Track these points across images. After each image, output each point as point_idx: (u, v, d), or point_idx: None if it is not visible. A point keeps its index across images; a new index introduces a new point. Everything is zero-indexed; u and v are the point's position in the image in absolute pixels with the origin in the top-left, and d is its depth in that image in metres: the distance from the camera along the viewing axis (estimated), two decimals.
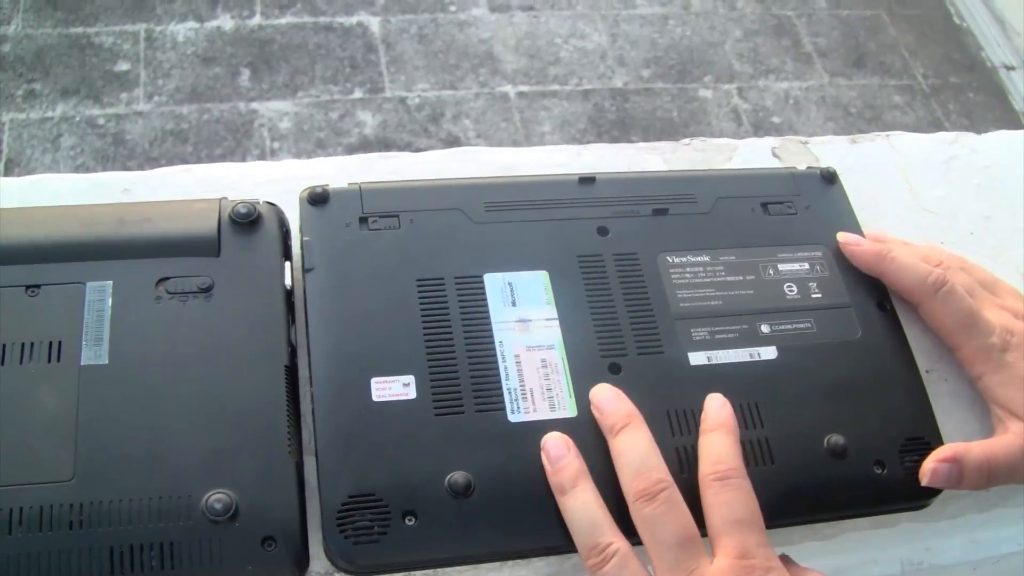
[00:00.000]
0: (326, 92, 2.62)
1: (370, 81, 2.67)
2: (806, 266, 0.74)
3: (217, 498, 0.57)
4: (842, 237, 0.74)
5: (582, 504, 0.59)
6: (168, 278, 0.65)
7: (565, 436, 0.61)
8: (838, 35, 3.09)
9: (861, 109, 2.89)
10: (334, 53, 2.72)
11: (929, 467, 0.65)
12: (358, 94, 2.64)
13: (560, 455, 0.60)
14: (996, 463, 0.65)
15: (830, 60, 3.00)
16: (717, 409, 0.64)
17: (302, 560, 0.58)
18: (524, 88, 2.76)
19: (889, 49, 3.07)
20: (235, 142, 2.52)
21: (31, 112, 2.47)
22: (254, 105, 2.58)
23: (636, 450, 0.60)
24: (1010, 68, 3.12)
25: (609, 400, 0.62)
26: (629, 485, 0.59)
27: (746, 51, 2.98)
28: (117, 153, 2.41)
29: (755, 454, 0.64)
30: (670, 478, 0.59)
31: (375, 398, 0.62)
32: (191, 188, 0.75)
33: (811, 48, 3.02)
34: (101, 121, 2.47)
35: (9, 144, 2.41)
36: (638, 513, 0.58)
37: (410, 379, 0.63)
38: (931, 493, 0.66)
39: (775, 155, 0.85)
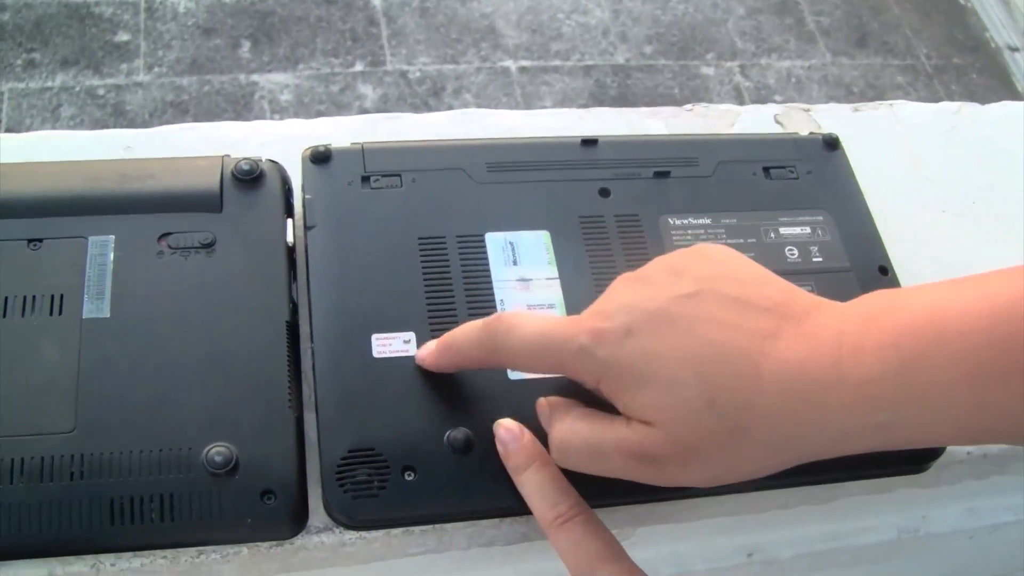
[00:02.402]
0: (327, 65, 2.62)
1: (371, 54, 2.66)
2: (807, 230, 0.73)
3: (217, 451, 0.57)
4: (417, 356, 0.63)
5: (540, 479, 0.57)
6: (170, 233, 0.65)
7: (515, 422, 0.59)
8: (841, 14, 3.08)
9: (863, 88, 2.89)
10: (335, 26, 2.72)
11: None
12: (359, 67, 2.63)
13: (512, 438, 0.59)
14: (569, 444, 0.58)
15: (833, 39, 2.99)
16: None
17: (301, 514, 0.58)
18: (525, 63, 2.76)
19: (893, 29, 3.06)
20: (235, 114, 2.52)
21: (30, 82, 2.47)
22: (254, 77, 2.58)
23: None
24: (1014, 49, 3.11)
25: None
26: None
27: (749, 29, 2.97)
28: (116, 124, 2.40)
29: None
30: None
31: (376, 354, 0.62)
32: (194, 146, 0.74)
33: (814, 27, 3.01)
34: (101, 92, 2.48)
35: (8, 114, 2.41)
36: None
37: (411, 336, 0.63)
38: (928, 456, 0.65)
39: (777, 122, 0.85)
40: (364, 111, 2.47)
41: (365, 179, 0.69)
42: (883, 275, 0.72)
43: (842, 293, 0.64)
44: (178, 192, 0.67)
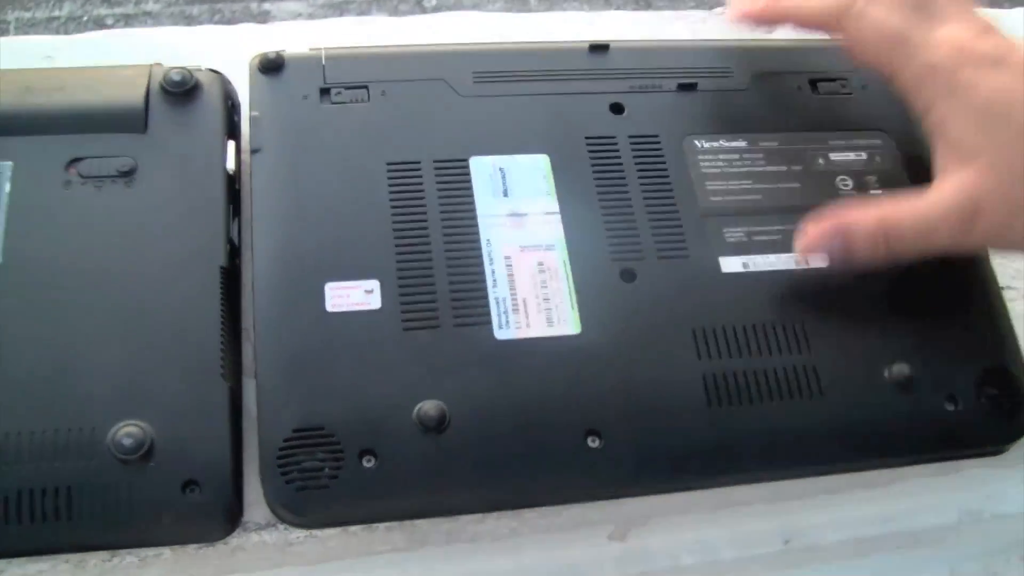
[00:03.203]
0: None
1: None
2: (863, 156, 0.64)
3: (127, 432, 0.49)
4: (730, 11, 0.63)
5: None
6: (81, 159, 0.56)
7: None
8: None
9: None
10: None
11: (803, 234, 0.57)
12: None
13: None
14: (898, 229, 0.55)
15: None
16: None
17: (233, 509, 0.51)
18: None
19: None
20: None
21: (37, 11, 2.44)
22: (267, 5, 2.52)
23: None
24: None
25: None
26: None
27: None
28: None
29: (799, 384, 0.55)
30: None
31: (330, 308, 0.53)
32: (128, 55, 0.65)
33: None
34: (109, 21, 2.43)
35: None
36: None
37: (374, 285, 0.54)
38: (1014, 435, 0.58)
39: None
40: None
41: (324, 92, 0.60)
42: None
43: None
44: (92, 107, 0.57)
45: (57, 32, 2.34)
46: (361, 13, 2.50)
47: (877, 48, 0.57)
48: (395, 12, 2.51)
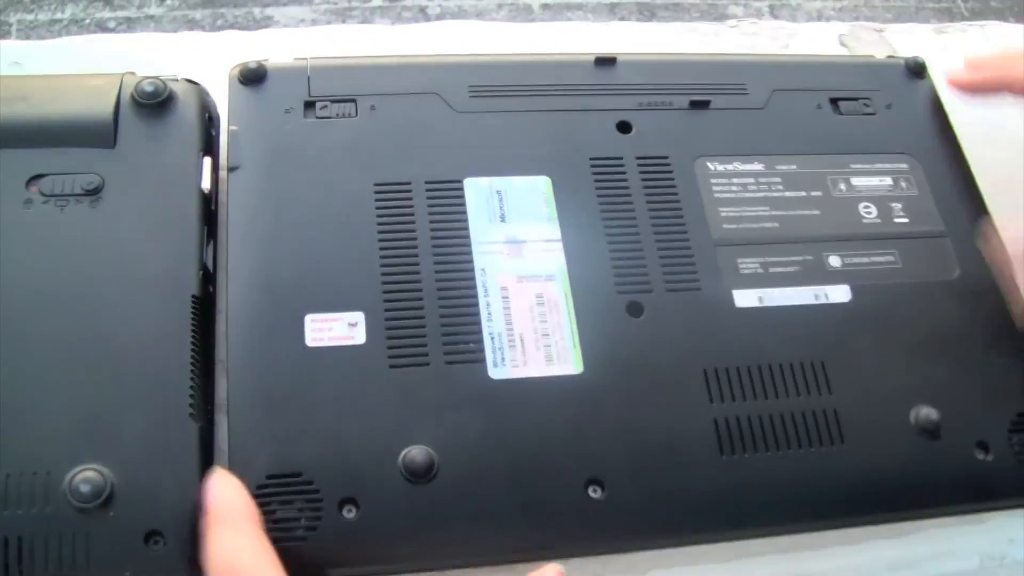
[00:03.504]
0: None
1: None
2: (888, 181, 0.61)
3: (85, 477, 0.45)
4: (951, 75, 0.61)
5: None
6: (43, 175, 0.52)
7: None
8: None
9: None
10: None
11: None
12: (376, 1, 2.59)
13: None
14: None
15: None
16: None
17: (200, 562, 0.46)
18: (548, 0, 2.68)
19: None
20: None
21: (39, 13, 2.47)
22: (269, 11, 2.56)
23: None
24: None
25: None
26: None
27: None
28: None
29: (819, 430, 0.52)
30: None
31: (310, 342, 0.50)
32: (102, 63, 0.63)
33: None
34: (111, 24, 2.46)
35: None
36: None
37: (358, 317, 0.51)
38: None
39: (843, 44, 0.74)
40: (379, 42, 2.43)
41: (309, 105, 0.57)
42: None
43: (934, 264, 0.58)
44: (57, 120, 0.54)
45: (59, 36, 2.34)
46: (364, 19, 2.50)
47: None
48: (398, 19, 2.51)
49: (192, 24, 2.49)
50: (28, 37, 2.38)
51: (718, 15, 2.89)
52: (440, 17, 2.61)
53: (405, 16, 2.61)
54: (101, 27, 2.44)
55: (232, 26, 2.51)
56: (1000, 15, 3.01)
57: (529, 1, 2.70)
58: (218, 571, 0.42)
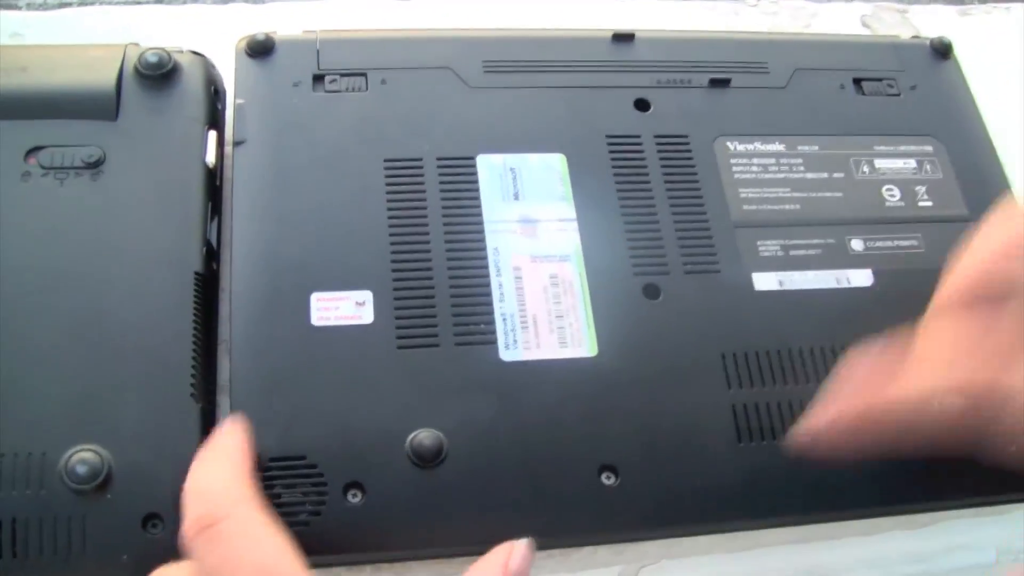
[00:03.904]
0: None
1: None
2: (912, 163, 0.59)
3: (81, 458, 0.44)
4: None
5: None
6: (43, 147, 0.51)
7: None
8: None
9: None
10: None
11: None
12: None
13: None
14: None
15: None
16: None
17: None
18: None
19: None
20: None
21: None
22: None
23: None
24: None
25: None
26: None
27: None
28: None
29: None
30: None
31: (316, 321, 0.49)
32: (104, 35, 0.62)
33: None
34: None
35: None
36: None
37: (366, 296, 0.50)
38: None
39: (865, 24, 0.73)
40: None
41: (318, 79, 0.56)
42: None
43: (957, 249, 0.54)
44: (57, 90, 0.52)
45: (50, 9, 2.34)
46: None
47: None
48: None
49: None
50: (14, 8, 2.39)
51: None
52: None
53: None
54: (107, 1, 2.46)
55: None
56: None
57: None
58: (189, 495, 0.41)
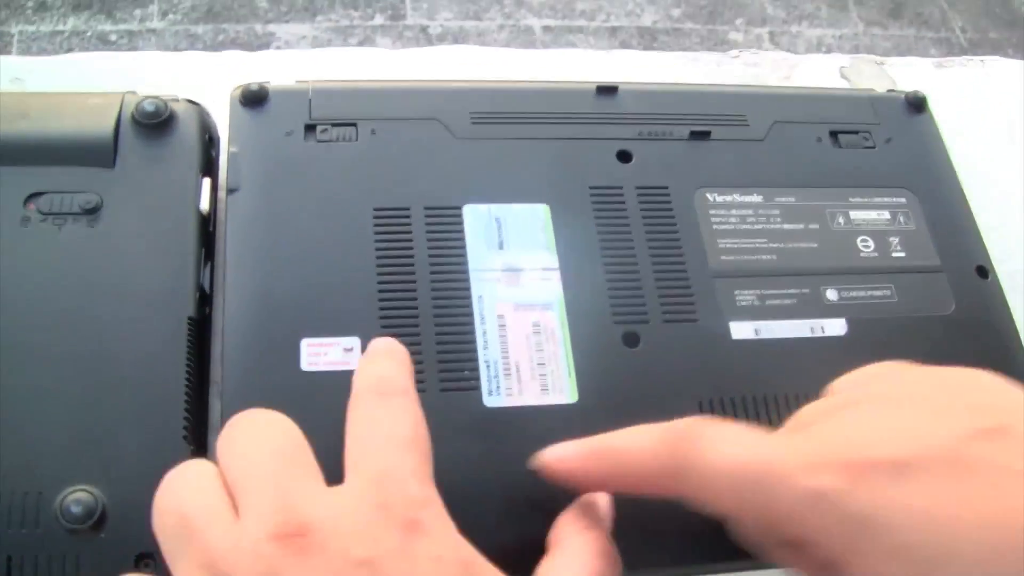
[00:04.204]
0: (346, 17, 2.59)
1: (391, 7, 2.64)
2: (886, 215, 0.60)
3: (76, 498, 0.44)
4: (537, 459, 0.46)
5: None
6: (42, 193, 0.51)
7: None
8: None
9: None
10: None
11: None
12: (379, 20, 2.61)
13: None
14: None
15: (866, 8, 3.01)
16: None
17: None
18: (550, 22, 2.73)
19: (928, 0, 3.02)
20: None
21: (41, 25, 2.47)
22: (271, 27, 2.56)
23: None
24: None
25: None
26: None
27: None
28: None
29: None
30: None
31: (306, 367, 0.49)
32: (103, 81, 0.62)
33: None
34: (113, 37, 2.45)
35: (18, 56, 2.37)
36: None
37: (354, 343, 0.50)
38: None
39: (843, 76, 0.73)
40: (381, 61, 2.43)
41: (310, 128, 0.56)
42: (982, 277, 0.59)
43: (929, 299, 0.57)
44: (57, 138, 0.53)
45: (61, 47, 2.34)
46: (366, 38, 2.49)
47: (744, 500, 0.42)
48: (400, 38, 2.50)
49: (193, 39, 2.48)
50: (30, 48, 2.37)
51: (718, 40, 2.88)
52: (441, 37, 2.61)
53: (407, 36, 2.60)
54: (102, 39, 2.43)
55: (234, 41, 2.50)
56: (998, 46, 3.00)
57: (531, 23, 2.70)
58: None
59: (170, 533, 0.38)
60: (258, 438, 0.40)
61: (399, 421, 0.42)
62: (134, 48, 2.40)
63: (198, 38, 2.47)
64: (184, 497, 0.38)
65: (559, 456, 0.45)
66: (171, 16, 2.48)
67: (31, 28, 2.40)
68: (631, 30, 2.75)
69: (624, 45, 2.69)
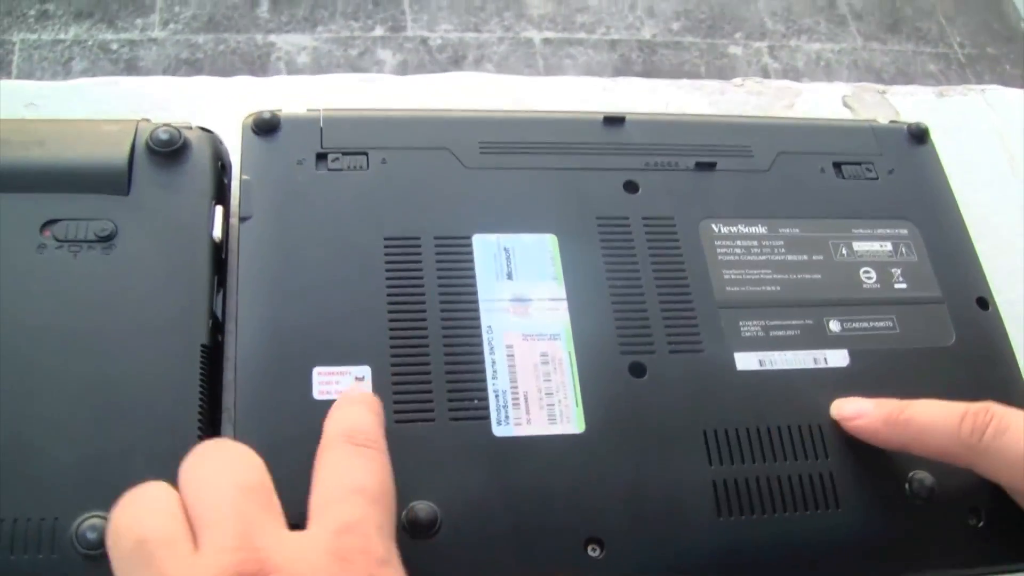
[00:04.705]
0: (346, 28, 2.58)
1: (392, 19, 2.63)
2: (888, 246, 0.60)
3: (92, 524, 0.44)
4: (836, 409, 0.54)
5: None
6: (57, 220, 0.52)
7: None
8: None
9: (894, 75, 2.87)
10: None
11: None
12: (379, 31, 2.60)
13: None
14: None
15: (865, 23, 2.99)
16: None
17: None
18: (549, 34, 2.72)
19: (926, 15, 3.05)
20: (251, 74, 2.46)
21: (43, 33, 2.45)
22: (272, 37, 2.55)
23: None
24: None
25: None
26: None
27: (780, 9, 2.96)
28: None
29: (815, 494, 0.51)
30: None
31: (317, 395, 0.49)
32: (116, 106, 0.63)
33: (846, 10, 3.01)
34: (114, 46, 2.45)
35: (19, 65, 2.39)
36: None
37: (365, 371, 0.50)
38: None
39: (846, 105, 0.73)
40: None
41: (321, 157, 0.56)
42: (982, 309, 0.60)
43: (931, 331, 0.57)
44: (72, 165, 0.53)
45: (62, 56, 2.33)
46: (366, 49, 2.49)
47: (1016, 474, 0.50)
48: (400, 50, 2.50)
49: (194, 48, 2.48)
50: (31, 57, 2.37)
51: (718, 54, 2.87)
52: (442, 49, 2.60)
53: (407, 47, 2.60)
54: (104, 48, 2.43)
55: (234, 51, 2.50)
56: (996, 61, 3.00)
57: (531, 35, 2.69)
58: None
59: (125, 555, 0.37)
60: (224, 471, 0.40)
61: (369, 473, 0.42)
62: (135, 57, 2.40)
63: (199, 47, 2.47)
64: (143, 520, 0.38)
65: (857, 412, 0.52)
66: (172, 26, 2.48)
67: (33, 36, 2.39)
68: (631, 43, 2.74)
69: (624, 58, 2.68)
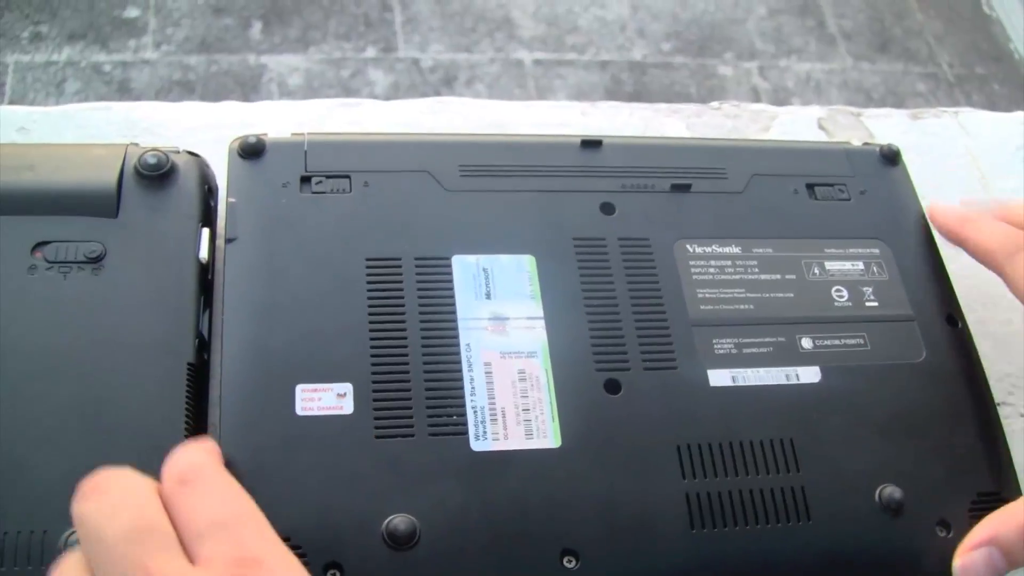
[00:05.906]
0: (338, 49, 2.58)
1: (384, 40, 2.63)
2: (860, 266, 0.61)
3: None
4: (932, 207, 0.63)
5: None
6: (48, 242, 0.53)
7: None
8: (864, 18, 3.07)
9: (883, 95, 2.87)
10: (348, 9, 2.69)
11: (959, 564, 0.52)
12: (371, 53, 2.60)
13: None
14: None
15: (854, 43, 2.99)
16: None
17: None
18: (540, 55, 2.72)
19: (915, 35, 3.06)
20: (243, 95, 2.47)
21: (36, 55, 2.45)
22: (264, 59, 2.56)
23: None
24: None
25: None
26: None
27: (769, 29, 2.95)
28: (122, 101, 2.37)
29: (787, 507, 0.52)
30: None
31: (300, 411, 0.50)
32: (106, 131, 0.64)
33: (836, 30, 3.01)
34: (107, 68, 2.46)
35: (12, 87, 2.39)
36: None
37: (347, 388, 0.51)
38: None
39: (821, 127, 0.75)
40: (374, 98, 2.42)
41: (305, 180, 0.57)
42: (952, 326, 0.61)
43: (901, 347, 0.58)
44: (62, 189, 0.55)
45: (55, 78, 2.34)
46: (357, 70, 2.50)
47: None
48: (391, 71, 2.51)
49: (187, 70, 2.49)
50: (24, 79, 2.37)
51: (708, 74, 2.88)
52: (433, 70, 2.61)
53: (398, 68, 2.60)
54: (96, 70, 2.43)
55: (227, 72, 2.51)
56: (984, 80, 3.01)
57: (521, 56, 2.70)
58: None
59: None
60: (112, 514, 0.40)
61: (217, 502, 0.41)
62: (127, 78, 2.40)
63: (191, 69, 2.47)
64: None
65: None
66: (164, 47, 2.48)
67: (26, 58, 2.40)
68: (621, 64, 2.75)
69: (615, 79, 2.69)
